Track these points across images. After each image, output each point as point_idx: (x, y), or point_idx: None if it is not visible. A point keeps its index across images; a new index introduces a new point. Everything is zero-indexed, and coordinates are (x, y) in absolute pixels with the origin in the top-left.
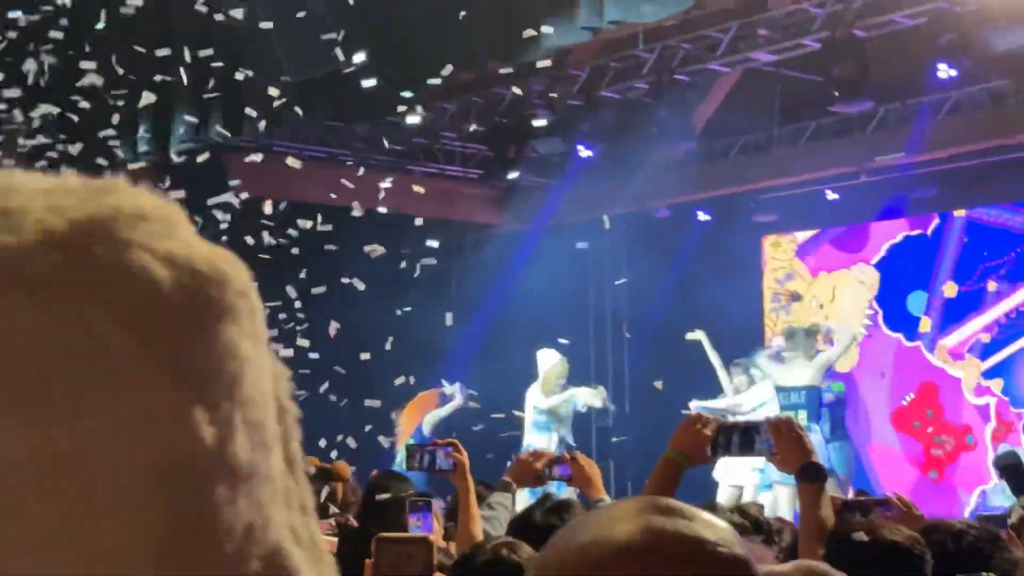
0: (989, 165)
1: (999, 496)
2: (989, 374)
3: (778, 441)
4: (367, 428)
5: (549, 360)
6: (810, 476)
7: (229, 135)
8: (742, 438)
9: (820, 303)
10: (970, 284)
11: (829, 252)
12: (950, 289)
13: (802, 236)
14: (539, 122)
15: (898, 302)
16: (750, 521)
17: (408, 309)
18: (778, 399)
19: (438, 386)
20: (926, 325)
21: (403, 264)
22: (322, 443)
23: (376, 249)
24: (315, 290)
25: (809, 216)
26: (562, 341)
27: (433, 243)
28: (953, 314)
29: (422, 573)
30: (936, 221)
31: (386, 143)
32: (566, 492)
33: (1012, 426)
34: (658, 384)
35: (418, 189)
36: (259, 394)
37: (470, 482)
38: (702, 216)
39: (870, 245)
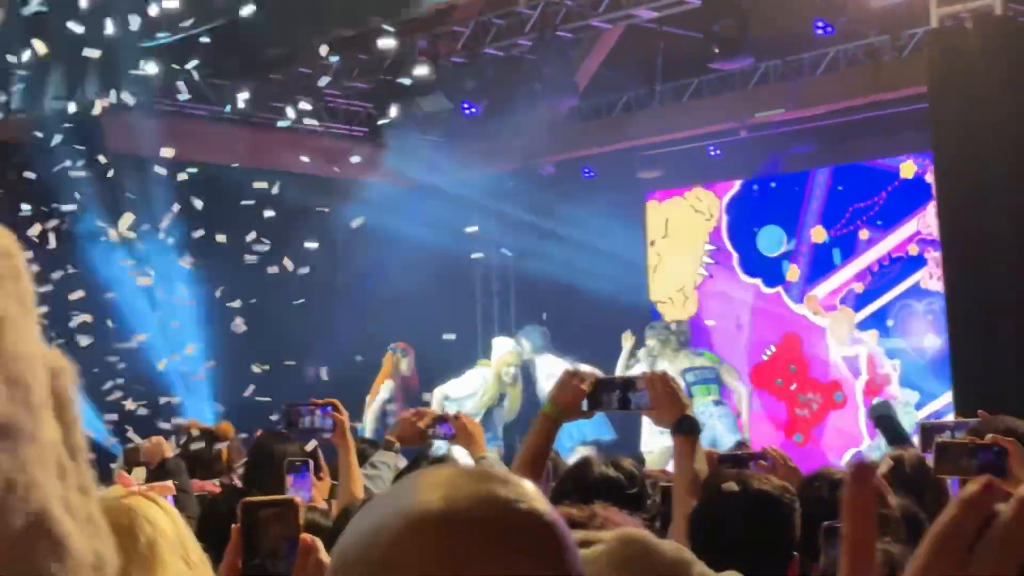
0: (866, 121)
1: (875, 457)
2: (864, 325)
3: (654, 396)
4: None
5: (502, 347)
6: (684, 429)
7: (108, 93)
8: (619, 393)
9: (651, 239)
10: (839, 229)
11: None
12: (818, 234)
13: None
14: (420, 70)
15: (748, 238)
16: (624, 474)
17: (306, 271)
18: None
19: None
20: (794, 274)
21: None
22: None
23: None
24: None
25: (693, 172)
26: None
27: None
28: (822, 263)
29: (288, 535)
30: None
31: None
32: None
33: (887, 379)
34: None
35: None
36: (21, 354)
37: (350, 441)
38: (587, 173)
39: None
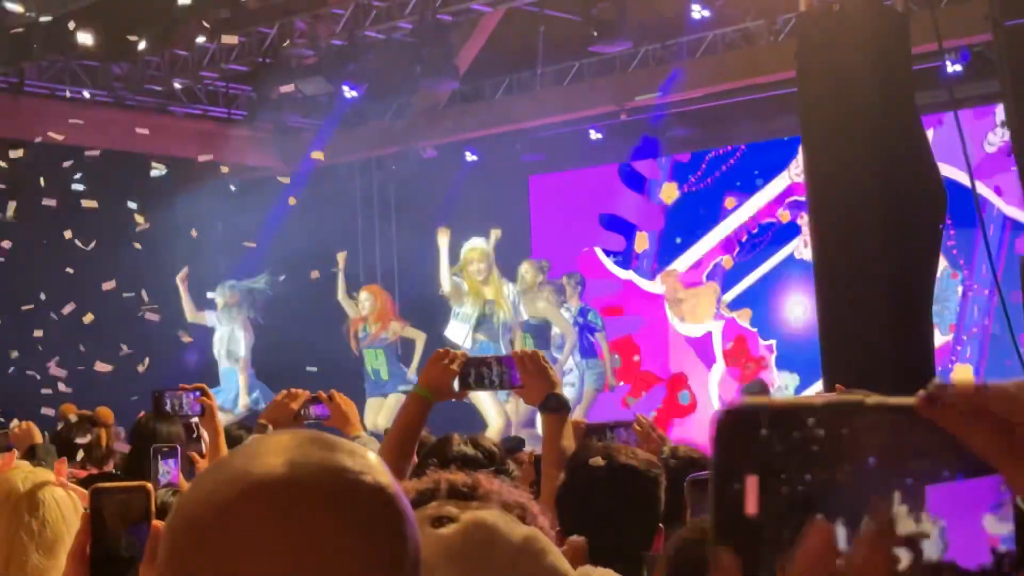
0: (742, 104)
1: None
2: (735, 304)
3: (523, 374)
4: None
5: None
6: (552, 407)
7: None
8: (489, 371)
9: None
10: (691, 184)
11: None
12: (669, 192)
13: None
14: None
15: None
16: (483, 452)
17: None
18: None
19: None
20: (643, 243)
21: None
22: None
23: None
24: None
25: (574, 155)
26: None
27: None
28: (679, 232)
29: (139, 521)
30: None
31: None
32: None
33: (763, 362)
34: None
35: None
36: None
37: (219, 425)
38: (470, 156)
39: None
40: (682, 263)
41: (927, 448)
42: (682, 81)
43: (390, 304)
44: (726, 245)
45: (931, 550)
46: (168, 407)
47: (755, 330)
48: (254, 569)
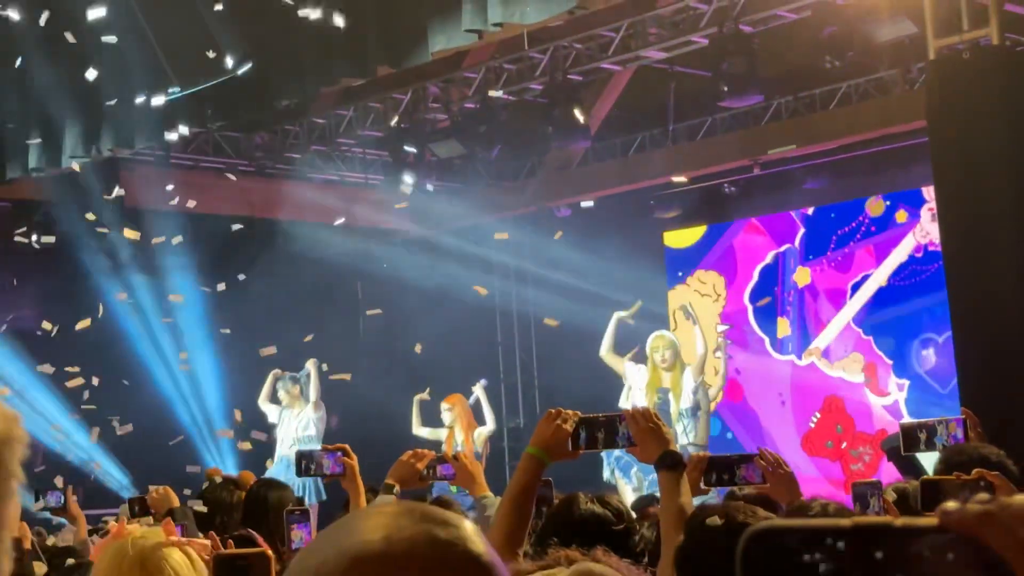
0: (879, 155)
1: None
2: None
3: (636, 432)
4: None
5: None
6: (668, 464)
7: (122, 148)
8: (603, 431)
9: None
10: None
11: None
12: (802, 277)
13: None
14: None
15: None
16: (610, 511)
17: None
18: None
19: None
20: (784, 328)
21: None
22: None
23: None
24: None
25: (707, 211)
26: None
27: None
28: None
29: None
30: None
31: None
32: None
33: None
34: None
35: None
36: None
37: (360, 485)
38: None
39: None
40: (822, 340)
41: (959, 564)
42: (818, 132)
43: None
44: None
45: None
46: (310, 467)
47: (890, 362)
48: None
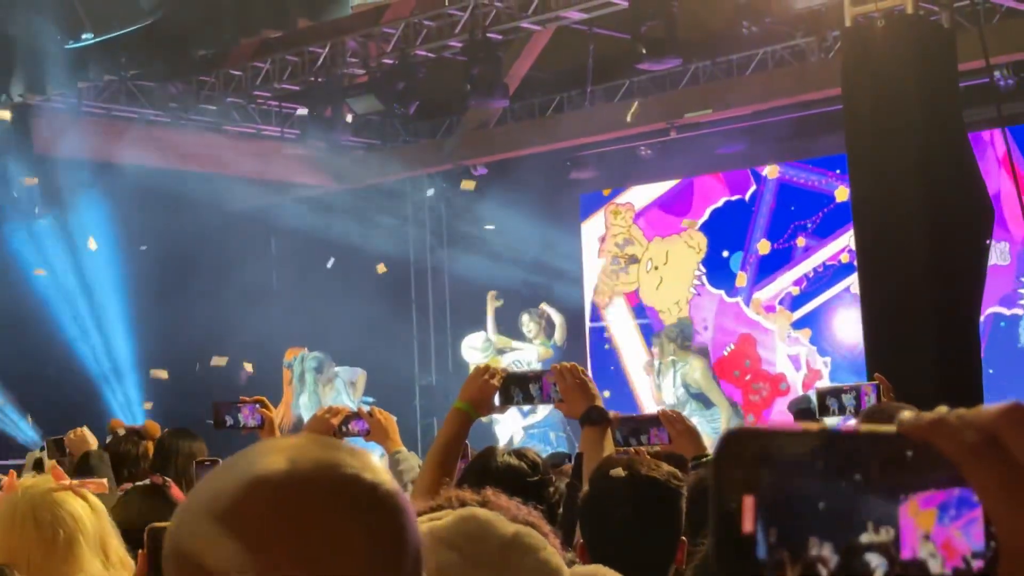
0: (794, 121)
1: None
2: (798, 324)
3: (563, 388)
4: None
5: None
6: (592, 419)
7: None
8: (530, 387)
9: (655, 265)
10: (781, 242)
11: (660, 216)
12: (763, 247)
13: (638, 203)
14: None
15: (721, 262)
16: (526, 463)
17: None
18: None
19: None
20: (742, 280)
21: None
22: None
23: None
24: None
25: (625, 173)
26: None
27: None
28: (766, 270)
29: None
30: (752, 187)
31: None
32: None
33: (819, 374)
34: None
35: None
36: None
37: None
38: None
39: (694, 208)
40: (764, 293)
41: (916, 466)
42: (733, 97)
43: None
44: (796, 280)
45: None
46: (227, 419)
47: (813, 348)
48: (258, 563)
